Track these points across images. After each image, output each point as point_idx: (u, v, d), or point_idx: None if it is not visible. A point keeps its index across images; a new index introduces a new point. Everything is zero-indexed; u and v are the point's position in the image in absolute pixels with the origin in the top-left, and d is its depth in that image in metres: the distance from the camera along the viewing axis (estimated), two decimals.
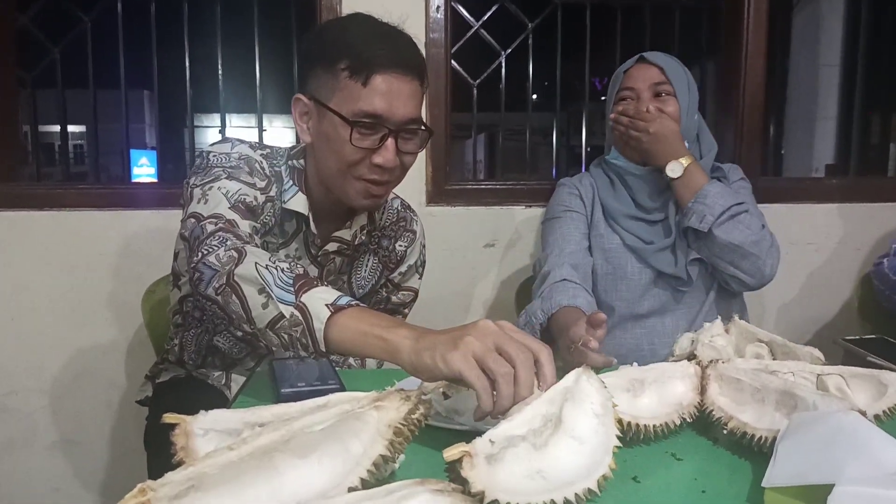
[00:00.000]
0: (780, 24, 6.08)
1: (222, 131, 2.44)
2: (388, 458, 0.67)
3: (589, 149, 2.89)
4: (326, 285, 1.00)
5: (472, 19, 2.24)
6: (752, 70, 2.23)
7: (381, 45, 1.18)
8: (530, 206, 2.16)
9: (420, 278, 1.60)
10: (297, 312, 0.95)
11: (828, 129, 6.16)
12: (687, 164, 1.57)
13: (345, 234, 1.40)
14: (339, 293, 0.97)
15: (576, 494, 0.67)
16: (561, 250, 1.69)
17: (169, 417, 0.71)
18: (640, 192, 1.72)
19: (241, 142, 1.32)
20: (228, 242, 1.07)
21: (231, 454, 0.64)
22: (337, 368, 1.13)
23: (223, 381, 1.46)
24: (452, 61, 2.18)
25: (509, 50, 2.34)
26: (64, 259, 2.06)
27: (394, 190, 1.57)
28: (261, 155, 1.31)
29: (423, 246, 1.60)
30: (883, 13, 5.27)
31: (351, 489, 0.63)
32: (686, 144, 1.64)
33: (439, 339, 0.83)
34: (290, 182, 1.32)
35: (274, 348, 1.13)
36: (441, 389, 0.99)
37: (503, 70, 2.35)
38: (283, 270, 1.00)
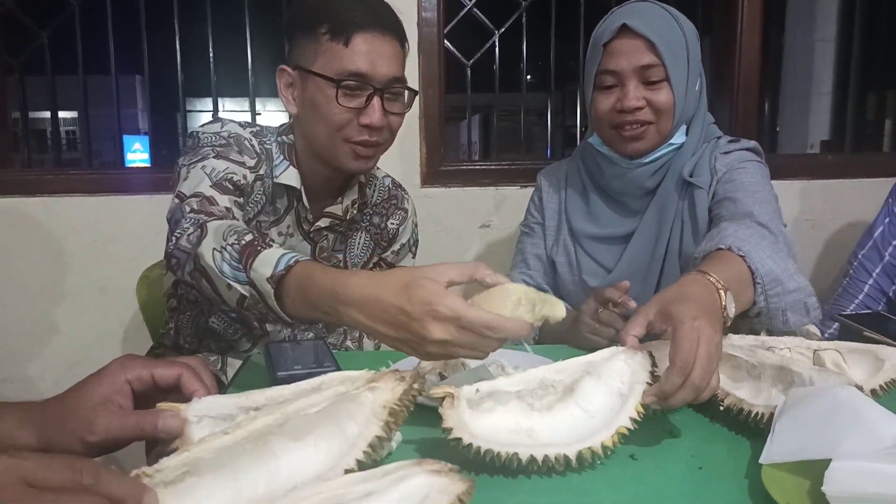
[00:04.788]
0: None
1: (215, 115, 2.42)
2: (384, 439, 0.66)
3: (584, 128, 2.87)
4: (267, 244, 0.96)
5: None
6: (747, 46, 2.21)
7: (359, 7, 1.21)
8: (525, 187, 2.15)
9: (413, 258, 1.60)
10: (252, 290, 0.93)
11: (823, 105, 6.13)
12: (719, 285, 0.96)
13: (336, 209, 1.40)
14: (276, 252, 0.93)
15: (545, 455, 0.69)
16: (519, 277, 1.55)
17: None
18: (622, 193, 1.46)
19: (231, 121, 1.34)
20: (199, 222, 1.06)
21: (226, 438, 0.64)
22: (334, 350, 1.13)
23: (219, 365, 1.46)
24: (445, 41, 2.16)
25: (503, 29, 2.32)
26: (57, 245, 2.05)
27: (387, 171, 1.57)
28: (251, 133, 1.32)
29: (416, 225, 1.60)
30: None
31: (347, 471, 0.63)
32: (684, 128, 1.41)
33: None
34: (281, 157, 1.33)
35: (256, 323, 1.16)
36: (438, 370, 1.00)
37: (497, 50, 2.33)
38: (232, 245, 0.97)
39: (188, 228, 1.06)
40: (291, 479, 0.63)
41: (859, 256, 1.77)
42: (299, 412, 0.68)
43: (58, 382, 2.12)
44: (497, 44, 2.33)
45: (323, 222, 1.40)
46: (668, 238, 1.41)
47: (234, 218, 1.13)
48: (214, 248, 0.98)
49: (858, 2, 2.64)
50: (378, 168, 1.53)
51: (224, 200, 1.16)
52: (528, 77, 2.56)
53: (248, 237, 0.98)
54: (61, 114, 2.31)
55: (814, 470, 0.64)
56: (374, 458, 0.65)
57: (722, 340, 0.86)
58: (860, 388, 0.80)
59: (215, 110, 2.39)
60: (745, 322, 1.12)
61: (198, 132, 1.29)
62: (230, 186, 1.20)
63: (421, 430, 0.82)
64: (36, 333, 2.08)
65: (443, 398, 0.74)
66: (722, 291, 0.94)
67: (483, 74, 2.37)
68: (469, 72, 2.35)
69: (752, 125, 2.27)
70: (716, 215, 1.35)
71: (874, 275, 1.73)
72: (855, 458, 0.63)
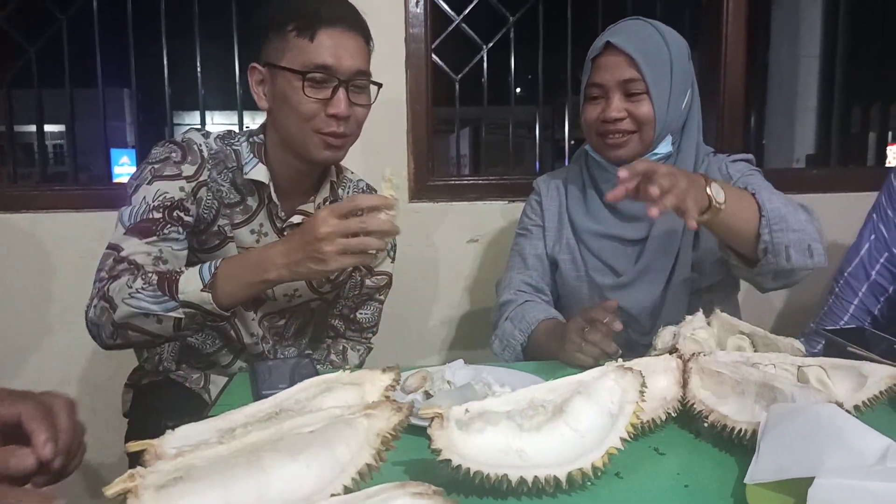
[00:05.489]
0: (760, 16, 6.11)
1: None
2: (373, 468, 0.66)
3: (572, 142, 2.88)
4: (178, 271, 1.17)
5: (452, 13, 2.23)
6: (733, 61, 2.23)
7: (324, 6, 1.29)
8: (513, 201, 2.15)
9: (392, 262, 1.60)
10: (187, 309, 1.13)
11: (808, 120, 6.21)
12: (709, 178, 1.17)
13: (308, 207, 1.43)
14: (193, 269, 1.16)
15: (535, 477, 0.70)
16: (517, 277, 1.57)
17: (133, 446, 0.68)
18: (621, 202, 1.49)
19: (198, 130, 1.39)
20: (101, 292, 1.19)
21: (220, 448, 0.64)
22: (318, 366, 1.13)
23: (201, 383, 1.45)
24: (433, 56, 2.17)
25: (491, 44, 2.33)
26: (43, 262, 2.03)
27: (375, 186, 1.57)
28: (215, 139, 1.38)
29: None
30: (861, 3, 5.32)
31: (333, 495, 0.63)
32: (669, 139, 1.46)
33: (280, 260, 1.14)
34: (251, 155, 1.37)
35: (190, 333, 1.35)
36: (424, 389, 1.00)
37: (485, 64, 2.34)
38: (144, 289, 1.14)
39: (93, 300, 1.20)
40: (281, 497, 0.63)
41: (845, 275, 1.76)
42: (294, 430, 0.67)
43: None
44: (486, 58, 2.34)
45: (296, 219, 1.42)
46: (679, 242, 1.47)
47: (138, 265, 1.21)
48: (124, 300, 1.14)
49: (842, 18, 2.68)
50: (352, 172, 1.57)
51: (133, 245, 1.23)
52: (518, 90, 2.57)
53: (156, 277, 1.15)
54: (47, 127, 2.31)
55: (798, 487, 0.65)
56: (360, 484, 0.65)
57: (697, 192, 1.11)
58: (840, 405, 0.80)
59: (203, 124, 2.39)
60: (750, 272, 1.28)
61: (155, 146, 1.36)
62: (157, 216, 1.26)
63: (408, 450, 0.81)
64: (23, 351, 2.06)
65: (431, 418, 0.73)
66: (710, 183, 1.14)
67: (472, 88, 2.38)
68: (457, 86, 2.35)
69: (738, 140, 2.29)
70: None
71: (860, 294, 1.73)
72: (838, 475, 0.63)
